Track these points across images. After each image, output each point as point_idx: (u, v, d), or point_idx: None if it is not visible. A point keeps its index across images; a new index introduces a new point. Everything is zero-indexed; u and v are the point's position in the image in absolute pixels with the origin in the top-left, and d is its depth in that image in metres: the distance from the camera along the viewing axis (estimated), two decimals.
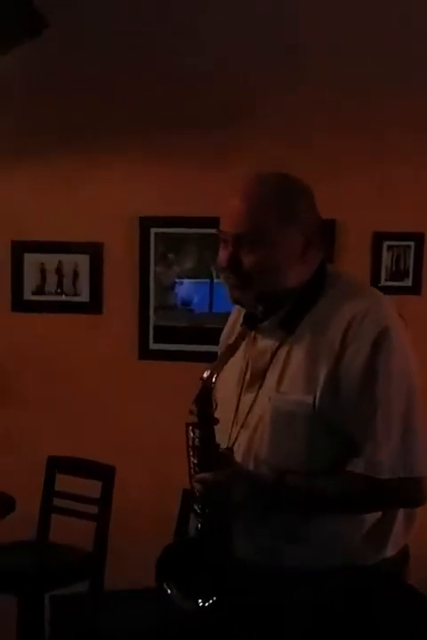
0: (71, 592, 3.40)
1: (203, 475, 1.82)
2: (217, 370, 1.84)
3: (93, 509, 3.48)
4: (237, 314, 2.07)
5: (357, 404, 1.76)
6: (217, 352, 2.06)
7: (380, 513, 1.83)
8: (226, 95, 3.68)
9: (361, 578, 1.83)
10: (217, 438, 1.88)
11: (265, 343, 1.91)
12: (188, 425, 1.85)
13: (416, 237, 3.70)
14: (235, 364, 1.96)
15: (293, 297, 1.87)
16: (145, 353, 3.83)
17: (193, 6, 3.68)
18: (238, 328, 1.96)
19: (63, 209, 3.82)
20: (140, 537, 3.63)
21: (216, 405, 1.85)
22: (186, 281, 3.78)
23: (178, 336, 3.82)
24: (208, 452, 1.84)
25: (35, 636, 3.38)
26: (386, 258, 3.70)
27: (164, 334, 3.82)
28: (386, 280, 3.71)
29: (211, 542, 1.83)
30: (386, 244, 3.69)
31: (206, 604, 1.77)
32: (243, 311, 1.97)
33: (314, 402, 1.78)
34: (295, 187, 1.89)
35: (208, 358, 2.04)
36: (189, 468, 1.87)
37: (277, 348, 1.87)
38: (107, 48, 3.73)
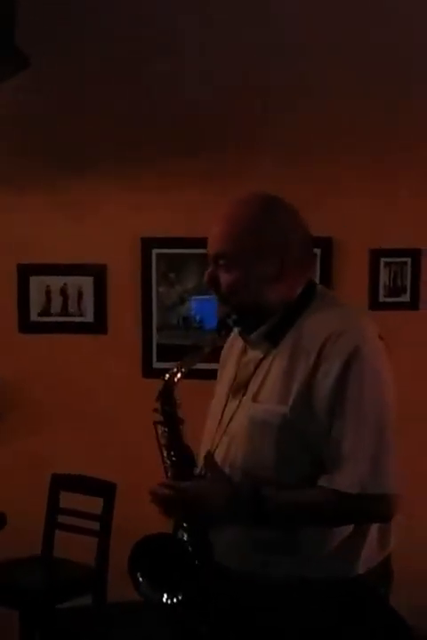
0: (74, 606, 3.44)
1: (170, 482, 1.92)
2: (179, 369, 1.95)
3: (96, 525, 3.53)
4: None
5: (327, 419, 1.79)
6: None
7: (350, 529, 1.84)
8: (225, 118, 3.76)
9: (330, 592, 1.85)
10: (204, 443, 1.97)
11: (252, 354, 1.96)
12: (155, 423, 1.95)
13: (413, 253, 3.75)
14: (228, 373, 2.04)
15: (277, 312, 1.91)
16: (149, 371, 3.89)
17: (197, 24, 3.76)
18: (237, 343, 2.04)
19: (67, 233, 3.89)
20: None
21: (179, 404, 1.95)
22: (198, 298, 3.83)
23: (182, 354, 3.85)
24: (177, 450, 1.94)
25: None
26: (384, 274, 3.74)
27: (167, 352, 3.87)
28: (384, 296, 3.76)
29: (189, 543, 1.89)
30: (383, 260, 3.74)
31: (170, 602, 1.81)
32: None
33: (286, 413, 1.81)
34: (275, 209, 1.92)
35: (213, 375, 2.13)
36: (164, 466, 1.97)
37: (261, 360, 1.92)
38: (108, 74, 3.80)
